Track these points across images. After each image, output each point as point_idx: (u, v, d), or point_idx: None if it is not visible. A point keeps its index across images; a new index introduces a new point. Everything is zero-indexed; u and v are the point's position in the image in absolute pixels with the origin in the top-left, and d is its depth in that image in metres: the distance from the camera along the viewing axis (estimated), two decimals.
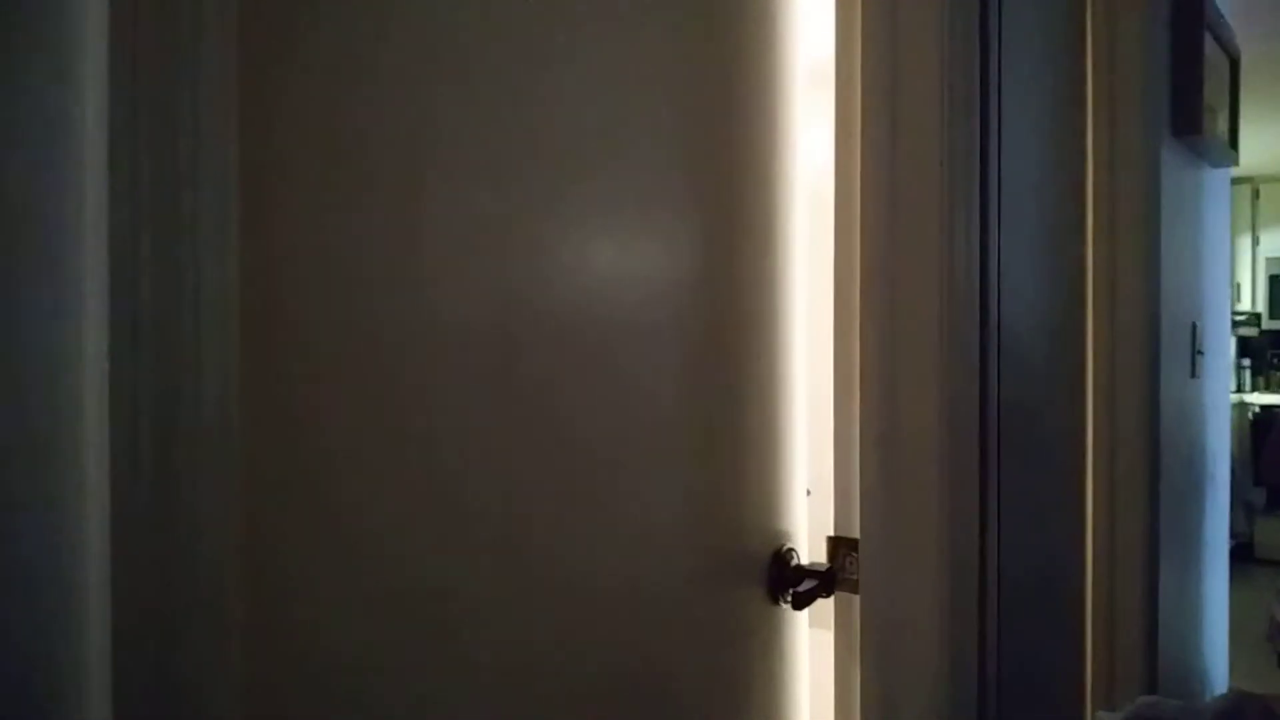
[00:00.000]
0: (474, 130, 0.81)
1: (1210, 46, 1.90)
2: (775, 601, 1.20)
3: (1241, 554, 5.00)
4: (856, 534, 1.23)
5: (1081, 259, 1.69)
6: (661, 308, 1.06)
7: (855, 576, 1.24)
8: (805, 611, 1.26)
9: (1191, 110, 1.81)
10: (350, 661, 0.72)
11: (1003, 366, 1.29)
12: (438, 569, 0.80)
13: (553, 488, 0.92)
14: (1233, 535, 2.94)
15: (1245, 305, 6.32)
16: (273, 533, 0.66)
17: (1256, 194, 6.24)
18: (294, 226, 0.68)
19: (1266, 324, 6.30)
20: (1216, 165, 2.19)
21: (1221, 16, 2.03)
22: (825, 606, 1.26)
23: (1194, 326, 2.05)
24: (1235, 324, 5.83)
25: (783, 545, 1.21)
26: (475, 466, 0.83)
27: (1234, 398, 5.67)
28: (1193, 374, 2.07)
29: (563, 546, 0.93)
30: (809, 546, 1.28)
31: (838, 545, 1.26)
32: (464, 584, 0.82)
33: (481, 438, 0.83)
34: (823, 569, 1.21)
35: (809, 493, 1.84)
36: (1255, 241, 6.30)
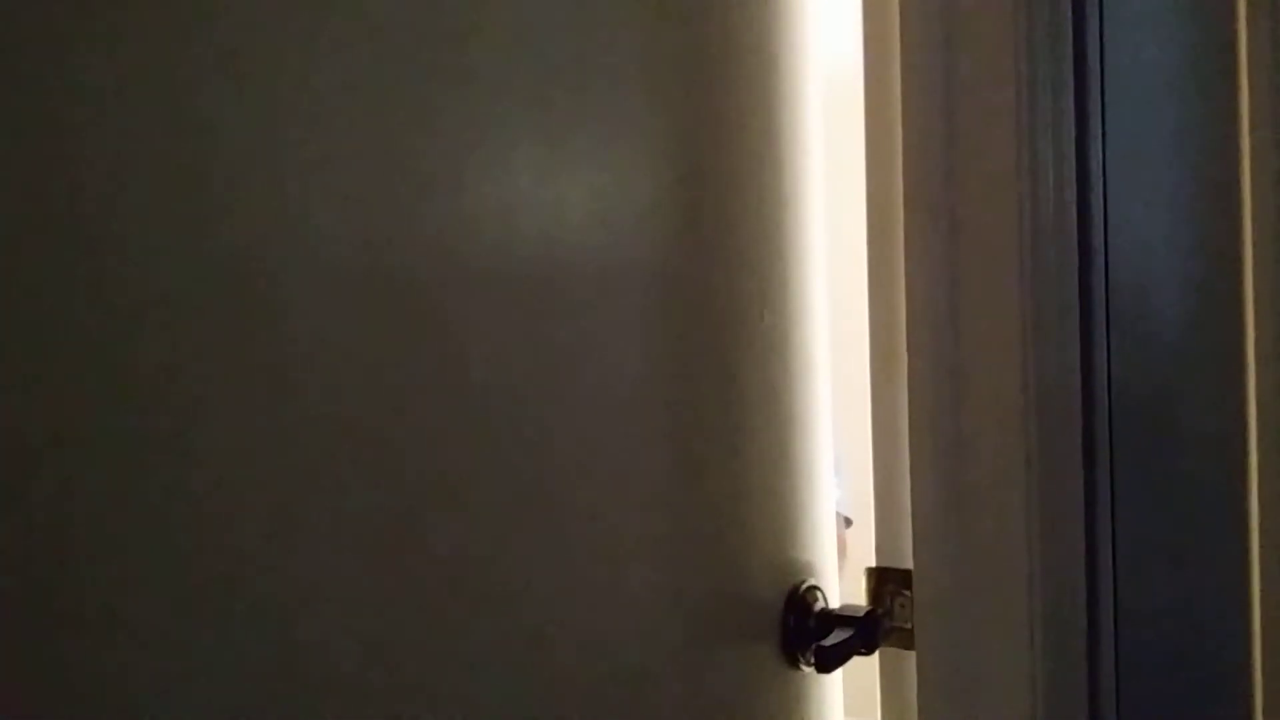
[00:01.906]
0: None
1: None
2: (794, 662, 0.84)
3: None
4: (908, 564, 0.88)
5: (1235, 159, 1.26)
6: (626, 254, 0.72)
7: (908, 625, 0.88)
8: (838, 675, 0.90)
9: None
10: None
11: (1115, 334, 0.92)
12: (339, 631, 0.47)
13: (473, 508, 0.59)
14: None
15: None
16: None
17: None
18: None
19: None
20: None
21: None
22: (868, 668, 0.91)
23: None
24: None
25: (801, 583, 0.85)
26: (359, 492, 0.51)
27: None
28: None
29: (484, 596, 0.60)
30: (844, 585, 0.93)
31: (883, 581, 0.90)
32: (376, 648, 0.53)
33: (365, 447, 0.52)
34: (860, 614, 0.85)
35: (849, 522, 1.47)
36: None
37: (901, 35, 0.86)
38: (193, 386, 0.45)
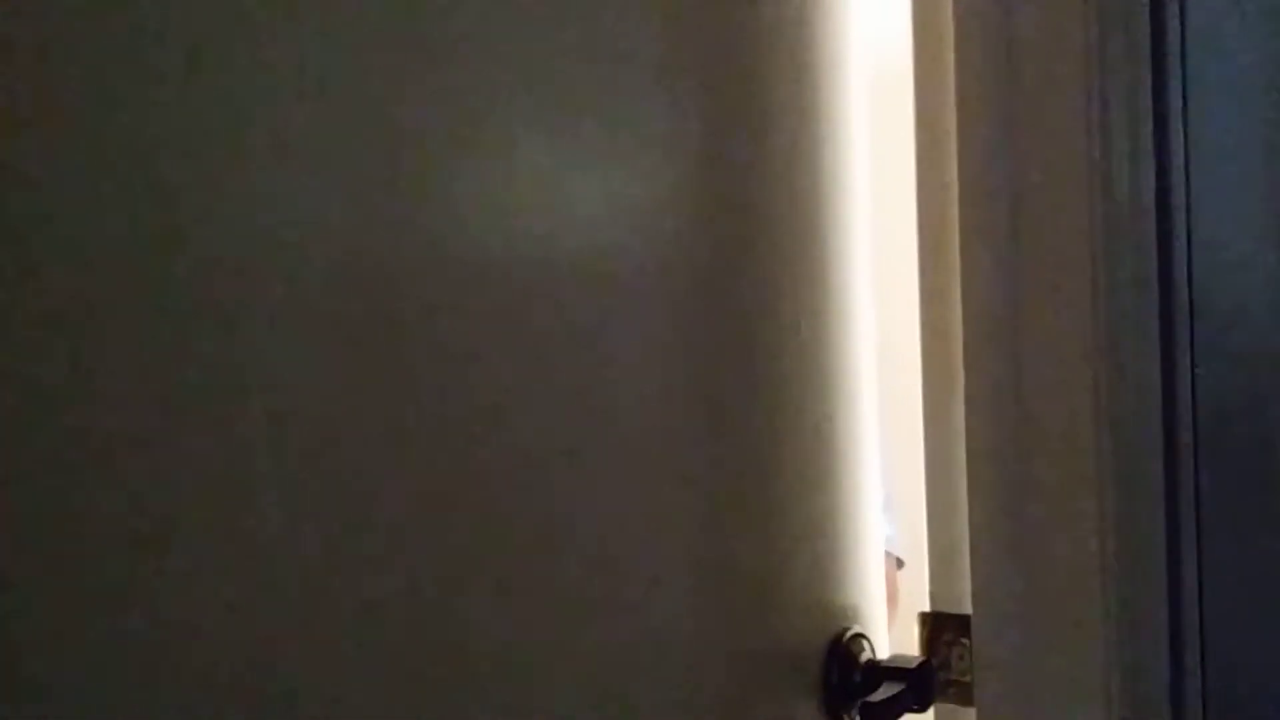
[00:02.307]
0: None
1: None
2: (838, 719, 0.75)
3: None
4: (966, 609, 0.79)
5: None
6: (640, 262, 0.64)
7: (967, 678, 0.79)
8: None
9: None
10: None
11: (1203, 339, 0.82)
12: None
13: (468, 549, 0.53)
14: None
15: None
16: None
17: None
18: None
19: None
20: None
21: None
22: None
23: None
24: None
25: (845, 630, 0.77)
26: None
27: None
28: None
29: (482, 653, 0.53)
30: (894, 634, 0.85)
31: (938, 628, 0.81)
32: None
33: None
34: (911, 665, 0.76)
35: (901, 563, 1.36)
36: None
37: (955, 19, 0.78)
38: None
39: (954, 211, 0.77)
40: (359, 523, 0.47)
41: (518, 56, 0.55)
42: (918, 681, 0.76)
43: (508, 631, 0.54)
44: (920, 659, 0.78)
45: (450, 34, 0.51)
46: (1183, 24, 0.78)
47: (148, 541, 0.39)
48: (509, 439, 0.55)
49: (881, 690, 0.75)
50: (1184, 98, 0.78)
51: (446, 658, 0.52)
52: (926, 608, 0.82)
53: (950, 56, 0.75)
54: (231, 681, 0.42)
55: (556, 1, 0.58)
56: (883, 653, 0.80)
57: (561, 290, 0.59)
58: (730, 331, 0.71)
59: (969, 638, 0.79)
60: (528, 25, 0.56)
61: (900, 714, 0.75)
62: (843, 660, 0.76)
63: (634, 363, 0.64)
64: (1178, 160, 0.80)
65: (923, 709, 0.77)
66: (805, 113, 0.75)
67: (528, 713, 0.55)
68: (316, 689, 0.45)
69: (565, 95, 0.59)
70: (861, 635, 0.78)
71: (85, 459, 0.37)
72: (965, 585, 0.79)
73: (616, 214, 0.63)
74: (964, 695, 0.79)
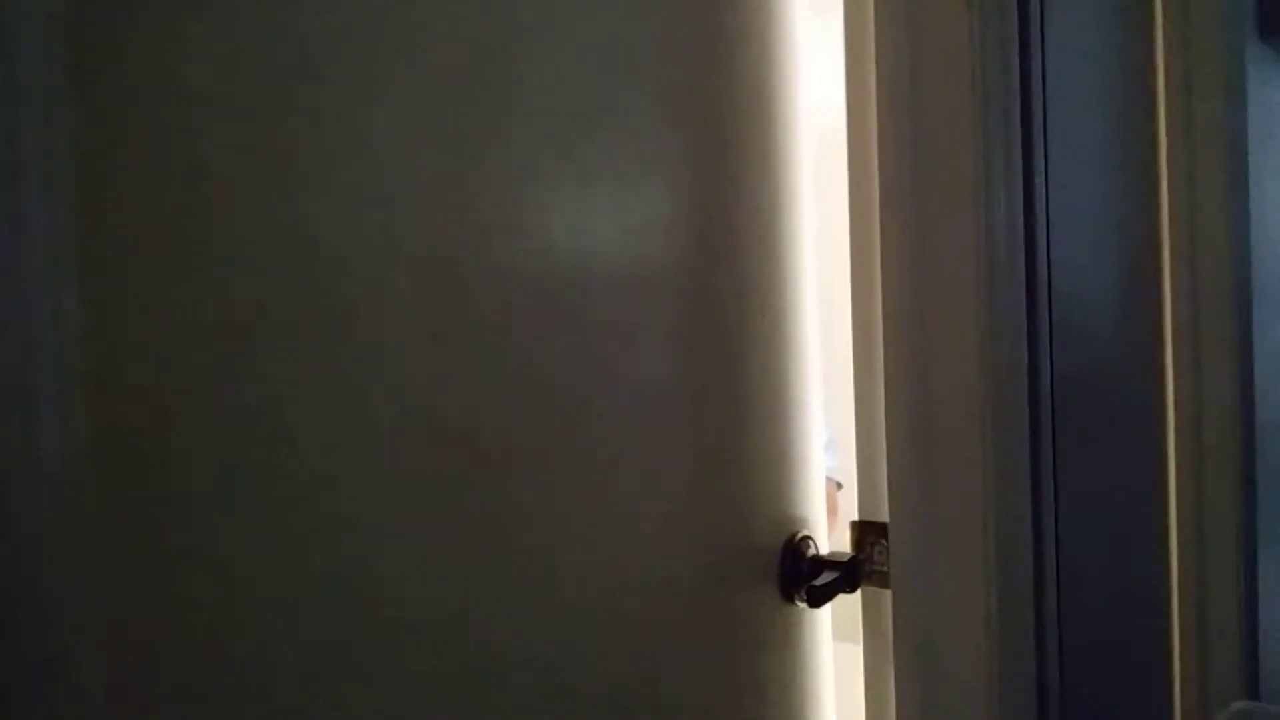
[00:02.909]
0: (403, 49, 0.65)
1: None
2: (790, 599, 1.02)
3: None
4: (885, 518, 1.05)
5: (1154, 185, 1.46)
6: (648, 263, 0.89)
7: (885, 568, 1.05)
8: (827, 610, 1.09)
9: None
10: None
11: (1058, 323, 1.09)
12: (400, 574, 0.65)
13: (525, 475, 0.77)
14: None
15: None
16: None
17: None
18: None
19: None
20: None
21: None
22: (854, 603, 1.09)
23: None
24: None
25: (796, 533, 1.03)
26: (433, 457, 0.68)
27: None
28: None
29: (537, 543, 0.78)
30: (836, 537, 1.11)
31: (864, 532, 1.07)
32: (431, 587, 0.69)
33: (435, 422, 0.69)
34: (844, 559, 1.03)
35: (841, 486, 1.65)
36: None
37: (877, 90, 1.02)
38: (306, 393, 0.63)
39: (876, 230, 1.02)
40: (458, 459, 0.73)
41: (567, 129, 0.80)
42: (849, 571, 1.02)
43: (546, 532, 0.80)
44: (851, 555, 1.04)
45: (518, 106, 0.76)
46: (1045, 105, 1.04)
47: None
48: (555, 389, 0.80)
49: (822, 577, 1.01)
50: (1045, 155, 1.04)
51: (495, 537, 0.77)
52: (857, 518, 1.09)
53: (874, 126, 1.00)
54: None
55: (590, 88, 0.83)
56: (824, 550, 1.07)
57: (598, 287, 0.83)
58: (713, 318, 0.96)
59: (886, 539, 1.06)
60: (573, 101, 0.81)
61: (835, 594, 1.01)
62: (794, 555, 1.02)
63: (645, 338, 0.88)
64: (1040, 193, 1.05)
65: (853, 590, 1.03)
66: (767, 162, 1.00)
67: (554, 597, 0.81)
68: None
69: (594, 152, 0.84)
70: (808, 537, 1.05)
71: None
72: (884, 501, 1.05)
73: (641, 238, 0.88)
74: (883, 580, 1.06)
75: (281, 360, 0.61)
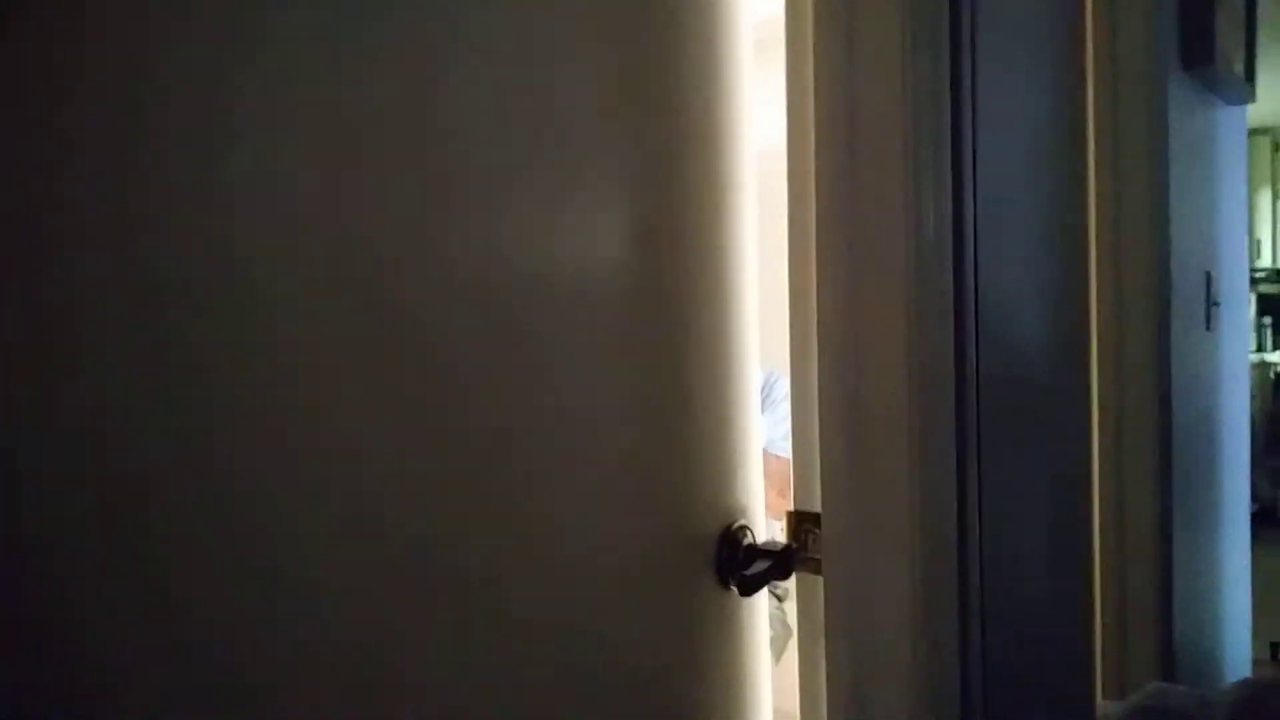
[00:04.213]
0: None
1: None
2: (726, 586, 1.07)
3: (1266, 519, 4.81)
4: (819, 507, 1.10)
5: (1081, 203, 1.54)
6: (591, 261, 0.93)
7: (818, 556, 1.11)
8: (764, 597, 1.14)
9: (1203, 37, 1.65)
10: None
11: (984, 326, 1.15)
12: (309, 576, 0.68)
13: (453, 466, 0.80)
14: (1255, 500, 2.78)
15: (1266, 261, 6.10)
16: None
17: (1277, 147, 6.00)
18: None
19: None
20: (1231, 102, 2.02)
21: None
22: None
23: (1208, 275, 1.89)
24: (1255, 280, 5.62)
25: (733, 523, 1.08)
26: (342, 448, 0.71)
27: (1254, 357, 5.46)
28: (1207, 327, 1.91)
29: (465, 535, 0.81)
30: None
31: (800, 521, 1.13)
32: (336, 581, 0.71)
33: (352, 414, 0.71)
34: (777, 549, 1.08)
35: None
36: (1276, 196, 6.07)
37: (815, 120, 1.07)
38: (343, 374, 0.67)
39: (812, 240, 1.07)
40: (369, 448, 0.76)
41: (547, 155, 0.84)
42: (781, 560, 1.07)
43: (478, 517, 0.84)
44: (784, 544, 1.09)
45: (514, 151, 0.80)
46: (974, 130, 1.09)
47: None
48: (484, 386, 0.84)
49: (755, 566, 1.06)
50: (974, 164, 1.10)
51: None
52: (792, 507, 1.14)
53: (812, 154, 1.05)
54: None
55: (565, 125, 0.87)
56: (761, 539, 1.12)
57: (547, 290, 0.88)
58: (655, 316, 1.00)
59: (820, 528, 1.11)
60: (551, 138, 0.85)
61: (766, 581, 1.06)
62: (730, 544, 1.07)
63: (578, 334, 0.91)
64: (968, 210, 1.11)
65: (784, 578, 1.09)
66: (713, 175, 1.05)
67: (489, 581, 0.85)
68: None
69: (567, 175, 0.88)
70: (745, 526, 1.10)
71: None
72: (818, 491, 1.10)
73: (600, 244, 0.92)
74: (816, 567, 1.11)
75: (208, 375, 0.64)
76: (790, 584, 1.14)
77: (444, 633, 0.78)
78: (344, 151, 0.70)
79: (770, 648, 2.03)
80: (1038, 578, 1.36)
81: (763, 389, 2.14)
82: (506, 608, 0.83)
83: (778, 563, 1.06)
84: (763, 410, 2.14)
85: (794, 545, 1.10)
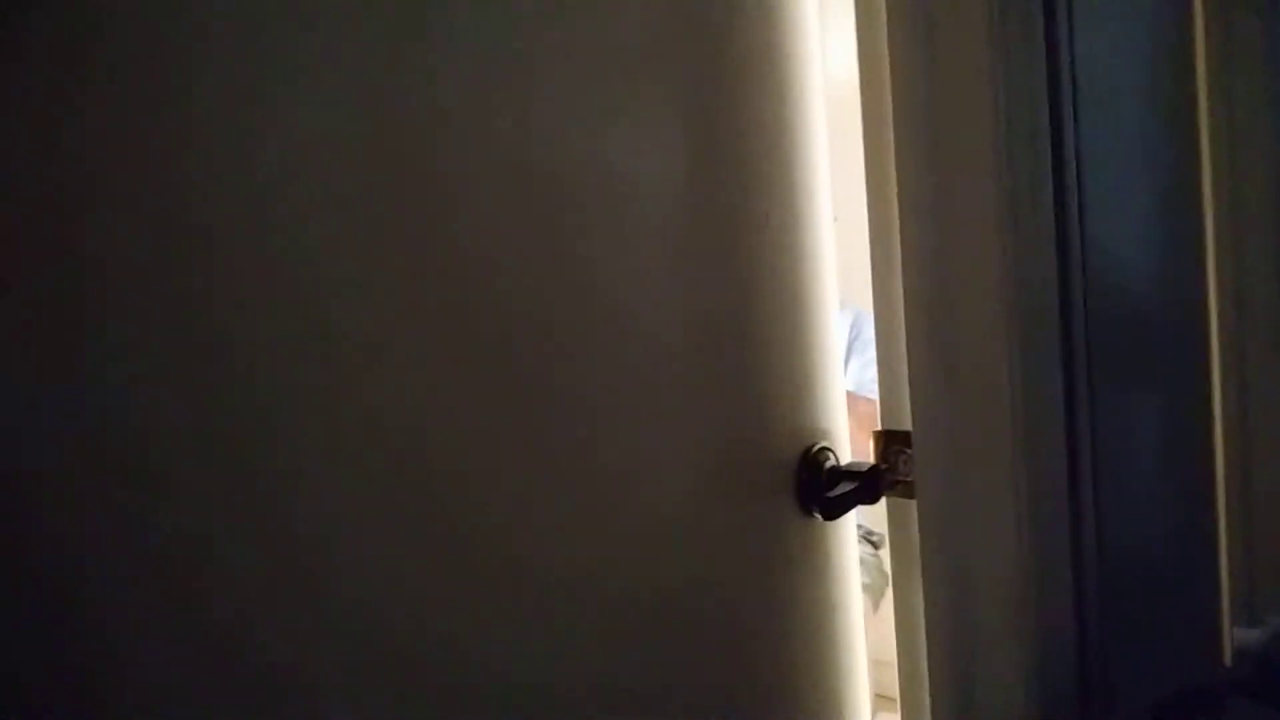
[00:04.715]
0: None
1: None
2: (807, 512, 0.98)
3: None
4: (908, 426, 1.01)
5: (1193, 130, 1.37)
6: (660, 181, 0.85)
7: (910, 478, 1.01)
8: (852, 531, 1.05)
9: None
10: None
11: (1091, 249, 1.02)
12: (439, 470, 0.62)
13: (528, 389, 0.73)
14: None
15: None
16: None
17: None
18: None
19: None
20: None
21: None
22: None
23: None
24: None
25: (813, 445, 0.99)
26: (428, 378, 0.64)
27: None
28: None
29: (545, 454, 0.74)
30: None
31: (889, 441, 1.03)
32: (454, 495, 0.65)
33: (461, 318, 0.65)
34: (862, 469, 0.98)
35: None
36: None
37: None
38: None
39: (890, 135, 0.96)
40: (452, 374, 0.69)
41: (614, 75, 0.76)
42: (868, 481, 0.98)
43: (559, 439, 0.77)
44: (870, 465, 1.00)
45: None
46: (1072, 48, 0.96)
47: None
48: (556, 300, 0.76)
49: (839, 488, 0.97)
50: (1073, 70, 0.97)
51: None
52: (879, 426, 1.04)
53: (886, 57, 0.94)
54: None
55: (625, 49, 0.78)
56: (845, 462, 1.03)
57: (608, 201, 0.80)
58: (726, 230, 0.91)
59: (910, 447, 1.01)
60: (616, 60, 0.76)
61: (852, 505, 0.97)
62: (811, 466, 0.98)
63: (660, 247, 0.85)
64: (1066, 113, 0.98)
65: (873, 501, 0.99)
66: (779, 91, 0.95)
67: (568, 506, 0.78)
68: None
69: (630, 93, 0.79)
70: (827, 448, 1.01)
71: None
72: (907, 407, 1.01)
73: (645, 153, 0.84)
74: (908, 490, 1.02)
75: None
76: (885, 524, 1.04)
77: (511, 574, 0.71)
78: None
79: (866, 596, 1.94)
80: (1156, 497, 1.23)
81: (850, 329, 2.03)
82: (562, 541, 0.76)
83: (864, 485, 0.97)
84: (850, 352, 2.02)
85: (882, 466, 1.01)
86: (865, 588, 1.89)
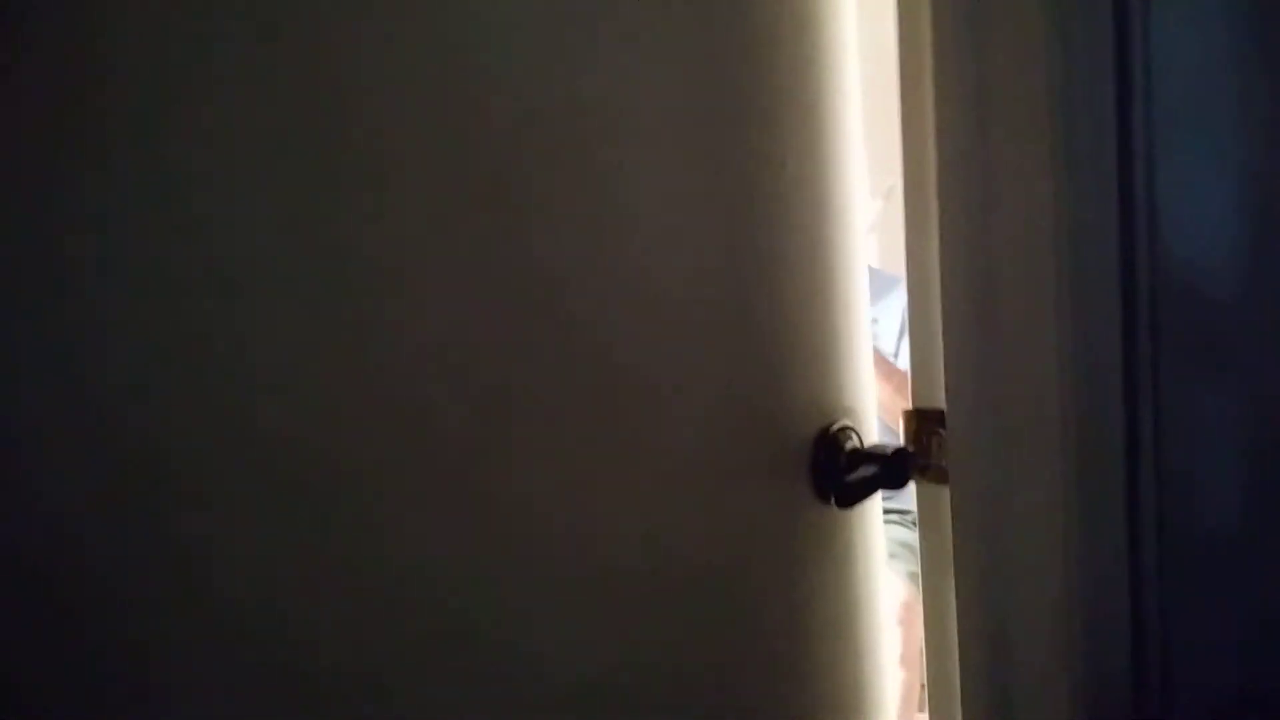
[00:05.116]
0: None
1: None
2: (825, 498, 0.88)
3: None
4: (941, 404, 0.89)
5: None
6: (673, 127, 0.75)
7: (944, 462, 0.90)
8: (875, 514, 0.94)
9: None
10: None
11: (1159, 192, 0.89)
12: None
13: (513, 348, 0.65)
14: None
15: None
16: None
17: None
18: None
19: None
20: None
21: None
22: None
23: None
24: None
25: (833, 423, 0.88)
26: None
27: None
28: None
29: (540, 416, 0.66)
30: None
31: (920, 421, 0.92)
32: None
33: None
34: (886, 452, 0.87)
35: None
36: None
37: None
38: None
39: (928, 72, 0.84)
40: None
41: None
42: (893, 465, 0.87)
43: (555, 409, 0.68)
44: (896, 447, 0.89)
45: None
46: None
47: None
48: (557, 250, 0.67)
49: (858, 472, 0.86)
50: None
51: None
52: (910, 405, 0.93)
53: None
54: None
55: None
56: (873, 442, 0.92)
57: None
58: (729, 169, 0.81)
59: (945, 428, 0.90)
60: None
61: (871, 491, 0.86)
62: (829, 447, 0.87)
63: (664, 191, 0.75)
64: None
65: (898, 487, 0.88)
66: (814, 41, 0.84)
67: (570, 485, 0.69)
68: None
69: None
70: (849, 428, 0.90)
71: None
72: (940, 384, 0.89)
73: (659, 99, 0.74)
74: (941, 476, 0.91)
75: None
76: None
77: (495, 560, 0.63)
78: None
79: (913, 584, 1.82)
80: (1231, 501, 1.09)
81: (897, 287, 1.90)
82: (539, 521, 0.67)
83: (887, 469, 0.86)
84: (903, 330, 1.89)
85: (911, 449, 0.89)
86: (912, 576, 1.77)
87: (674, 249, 0.76)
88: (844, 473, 0.86)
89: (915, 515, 1.95)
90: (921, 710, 1.98)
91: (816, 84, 0.87)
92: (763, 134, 0.83)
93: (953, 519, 0.89)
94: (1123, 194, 0.88)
